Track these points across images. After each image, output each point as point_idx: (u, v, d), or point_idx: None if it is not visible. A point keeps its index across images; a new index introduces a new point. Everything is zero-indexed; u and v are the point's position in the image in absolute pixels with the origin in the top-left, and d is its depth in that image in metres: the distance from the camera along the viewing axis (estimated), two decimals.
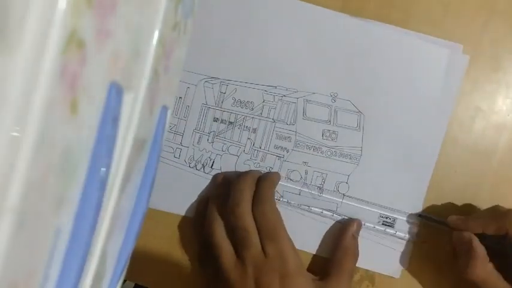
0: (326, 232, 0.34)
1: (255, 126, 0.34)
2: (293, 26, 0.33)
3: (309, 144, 0.33)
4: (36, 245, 0.14)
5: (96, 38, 0.14)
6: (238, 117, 0.34)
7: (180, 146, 0.34)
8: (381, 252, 0.33)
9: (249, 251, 0.30)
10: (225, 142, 0.34)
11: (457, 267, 0.31)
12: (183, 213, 0.35)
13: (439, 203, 0.34)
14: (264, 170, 0.34)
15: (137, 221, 0.26)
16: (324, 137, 0.33)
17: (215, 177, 0.34)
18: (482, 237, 0.30)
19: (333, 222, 0.34)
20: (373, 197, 0.33)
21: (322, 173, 0.33)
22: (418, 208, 0.34)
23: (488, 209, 0.31)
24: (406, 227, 0.33)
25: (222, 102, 0.34)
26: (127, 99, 0.18)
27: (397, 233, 0.33)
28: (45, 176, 0.13)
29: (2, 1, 0.11)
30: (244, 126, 0.34)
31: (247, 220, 0.31)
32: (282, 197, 0.34)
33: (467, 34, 0.34)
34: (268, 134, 0.34)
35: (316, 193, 0.33)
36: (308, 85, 0.33)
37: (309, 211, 0.34)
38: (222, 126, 0.34)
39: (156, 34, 0.20)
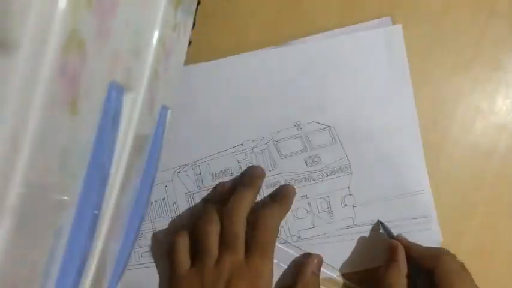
0: (358, 246, 0.34)
1: None
2: (225, 84, 0.34)
3: (298, 178, 0.34)
4: (36, 245, 0.14)
5: (96, 38, 0.14)
6: None
7: None
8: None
9: (232, 255, 0.30)
10: None
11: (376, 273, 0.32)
12: None
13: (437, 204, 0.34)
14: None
15: (137, 221, 0.26)
16: (309, 165, 0.34)
17: (221, 184, 0.34)
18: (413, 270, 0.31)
19: (357, 234, 0.34)
20: (380, 192, 0.33)
21: (324, 198, 0.34)
22: (425, 185, 0.33)
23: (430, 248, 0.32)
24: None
25: (202, 182, 0.34)
26: (127, 98, 0.18)
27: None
28: (45, 176, 0.13)
29: (2, 1, 0.11)
30: None
31: (241, 227, 0.31)
32: (299, 237, 0.34)
33: (468, 35, 0.34)
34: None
35: (328, 218, 0.34)
36: (269, 127, 0.34)
37: (328, 236, 0.34)
38: None
39: (156, 34, 0.20)
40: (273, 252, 0.31)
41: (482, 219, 0.34)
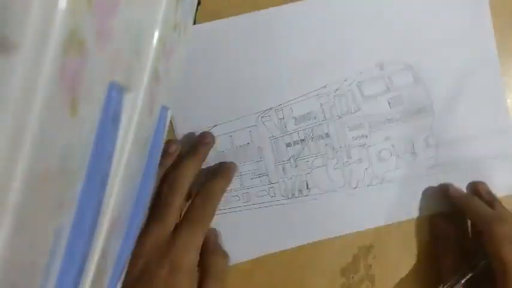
0: (443, 187, 0.33)
1: (325, 131, 0.34)
2: (309, 26, 0.34)
3: (381, 120, 0.34)
4: (36, 245, 0.14)
5: (96, 38, 0.14)
6: (307, 131, 0.34)
7: (271, 185, 0.34)
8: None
9: (158, 228, 0.28)
10: (308, 159, 0.34)
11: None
12: (295, 245, 0.34)
13: None
14: (353, 166, 0.34)
15: (137, 221, 0.26)
16: (392, 106, 0.34)
17: (169, 143, 0.33)
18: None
19: (440, 174, 0.33)
20: (463, 130, 0.33)
21: (407, 139, 0.34)
22: (508, 122, 0.33)
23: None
24: None
25: (285, 126, 0.34)
26: (127, 99, 0.18)
27: None
28: (45, 177, 0.13)
29: (2, 1, 0.11)
30: (316, 136, 0.34)
31: (177, 198, 0.29)
32: (383, 179, 0.34)
33: None
34: (341, 131, 0.34)
35: (411, 159, 0.34)
36: (352, 69, 0.34)
37: (411, 177, 0.34)
38: (297, 147, 0.34)
39: (157, 34, 0.20)
40: (206, 225, 0.30)
41: None
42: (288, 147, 0.34)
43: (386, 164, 0.34)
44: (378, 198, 0.34)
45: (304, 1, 0.33)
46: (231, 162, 0.34)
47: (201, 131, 0.34)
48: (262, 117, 0.34)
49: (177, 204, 0.29)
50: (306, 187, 0.34)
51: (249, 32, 0.33)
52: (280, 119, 0.34)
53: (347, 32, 0.34)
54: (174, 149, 0.32)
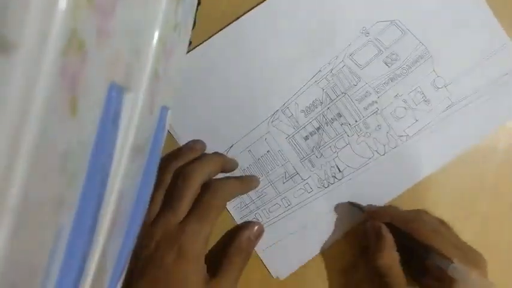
0: (468, 119, 0.34)
1: (336, 112, 0.34)
2: (283, 20, 0.34)
3: (384, 81, 0.34)
4: (36, 245, 0.14)
5: (96, 39, 0.14)
6: (319, 118, 0.35)
7: (305, 181, 0.35)
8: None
9: (168, 217, 0.29)
10: (330, 144, 0.35)
11: (367, 257, 0.32)
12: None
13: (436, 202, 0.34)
14: (375, 134, 0.34)
15: (137, 220, 0.26)
16: (389, 65, 0.34)
17: (194, 141, 0.34)
18: (393, 232, 0.31)
19: (460, 110, 0.34)
20: (465, 62, 0.34)
21: (415, 89, 0.34)
22: (504, 38, 0.33)
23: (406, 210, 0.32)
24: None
25: (297, 122, 0.35)
26: (127, 99, 0.18)
27: None
28: (45, 176, 0.13)
29: (2, 1, 0.11)
30: (329, 120, 0.35)
31: (190, 191, 0.30)
32: (408, 135, 0.34)
33: None
34: (351, 106, 0.34)
35: (426, 107, 0.34)
36: (339, 44, 0.34)
37: (437, 122, 0.34)
38: (316, 137, 0.35)
39: (156, 34, 0.20)
40: (214, 216, 0.30)
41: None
42: (307, 140, 0.35)
43: (405, 121, 0.34)
44: (409, 156, 0.34)
45: None
46: (253, 176, 0.34)
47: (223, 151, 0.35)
48: (272, 121, 0.35)
49: (189, 197, 0.30)
50: (338, 171, 0.35)
51: (231, 45, 0.34)
52: (289, 117, 0.34)
53: (325, 11, 0.34)
54: (199, 147, 0.34)
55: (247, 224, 0.34)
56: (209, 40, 0.34)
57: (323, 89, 0.34)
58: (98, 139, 0.16)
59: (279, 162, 0.35)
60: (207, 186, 0.31)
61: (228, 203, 0.34)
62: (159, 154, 0.26)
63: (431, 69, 0.34)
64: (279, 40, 0.34)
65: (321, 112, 0.34)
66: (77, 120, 0.14)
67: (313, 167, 0.35)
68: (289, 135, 0.35)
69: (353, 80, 0.34)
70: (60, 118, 0.13)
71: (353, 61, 0.34)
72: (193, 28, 0.31)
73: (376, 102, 0.34)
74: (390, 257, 0.30)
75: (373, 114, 0.34)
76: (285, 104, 0.34)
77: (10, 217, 0.12)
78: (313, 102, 0.34)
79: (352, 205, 0.34)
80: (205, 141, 0.35)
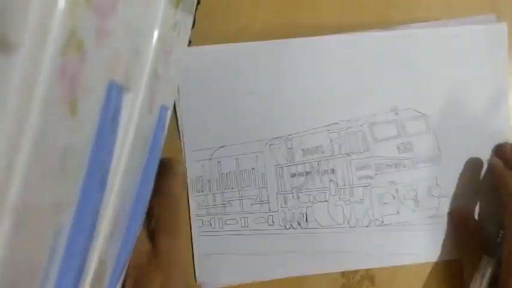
0: (439, 236, 0.34)
1: (332, 167, 0.34)
2: (325, 61, 0.34)
3: (389, 163, 0.34)
4: (36, 245, 0.14)
5: (95, 38, 0.14)
6: (313, 164, 0.34)
7: (271, 213, 0.34)
8: None
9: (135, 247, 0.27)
10: (310, 192, 0.34)
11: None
12: (286, 275, 0.34)
13: None
14: (354, 205, 0.34)
15: (137, 220, 0.26)
16: (401, 151, 0.34)
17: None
18: None
19: (439, 225, 0.34)
20: (468, 185, 0.34)
21: (411, 186, 0.34)
22: None
23: None
24: None
25: (293, 157, 0.34)
26: (126, 98, 0.18)
27: None
28: (45, 176, 0.13)
29: (2, 1, 0.11)
30: (321, 170, 0.34)
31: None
32: (382, 222, 0.34)
33: None
34: (348, 169, 0.34)
35: (413, 206, 0.34)
36: (366, 110, 0.34)
37: (411, 224, 0.34)
38: (301, 179, 0.34)
39: (156, 34, 0.20)
40: (181, 229, 0.30)
41: None
42: (293, 178, 0.34)
43: (388, 208, 0.34)
44: (374, 240, 0.34)
45: (327, 37, 0.34)
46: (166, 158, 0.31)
47: (210, 149, 0.34)
48: (271, 144, 0.34)
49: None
50: (305, 220, 0.34)
51: (269, 59, 0.34)
52: (289, 148, 0.34)
53: (366, 73, 0.34)
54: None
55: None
56: (249, 44, 0.34)
57: (331, 141, 0.34)
58: (97, 138, 0.16)
59: (257, 184, 0.34)
60: (157, 205, 0.29)
61: (191, 194, 0.34)
62: (158, 153, 0.26)
63: (435, 176, 0.34)
64: (314, 76, 0.34)
65: (318, 160, 0.34)
66: (76, 120, 0.14)
67: (285, 205, 0.34)
68: (279, 165, 0.34)
69: (362, 147, 0.34)
70: (59, 118, 0.13)
71: (370, 131, 0.34)
72: (193, 28, 0.31)
73: (372, 178, 0.34)
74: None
75: (363, 186, 0.34)
76: (290, 136, 0.34)
77: (10, 217, 0.12)
78: (316, 147, 0.34)
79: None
80: (199, 131, 0.34)
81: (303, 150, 0.34)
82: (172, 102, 0.28)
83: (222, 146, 0.34)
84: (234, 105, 0.34)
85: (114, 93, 0.16)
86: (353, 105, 0.34)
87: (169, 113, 0.27)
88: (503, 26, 0.34)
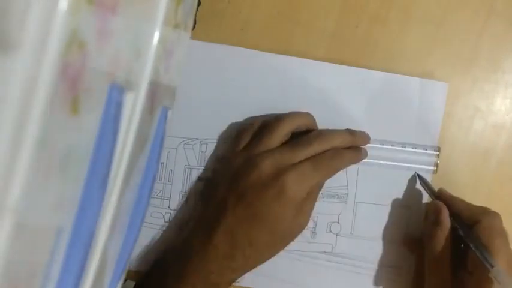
0: (324, 274, 0.34)
1: None
2: (263, 78, 0.34)
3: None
4: (36, 245, 0.14)
5: (96, 38, 0.14)
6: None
7: (169, 210, 0.34)
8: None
9: (287, 153, 0.29)
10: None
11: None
12: None
13: None
14: None
15: (138, 220, 0.26)
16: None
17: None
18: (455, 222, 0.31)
19: (330, 263, 0.34)
20: (367, 232, 0.34)
21: (312, 217, 0.33)
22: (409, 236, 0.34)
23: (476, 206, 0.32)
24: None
25: (205, 160, 0.34)
26: (128, 99, 0.18)
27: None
28: (46, 176, 0.13)
29: (2, 2, 0.11)
30: None
31: (287, 129, 0.31)
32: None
33: (467, 34, 0.34)
34: None
35: (310, 237, 0.34)
36: None
37: (305, 255, 0.34)
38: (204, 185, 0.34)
39: (157, 34, 0.20)
40: (324, 176, 0.30)
41: None
42: (200, 181, 0.33)
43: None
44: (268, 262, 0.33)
45: (322, 63, 0.34)
46: (364, 149, 0.33)
47: None
48: (185, 143, 0.34)
49: (282, 136, 0.31)
50: None
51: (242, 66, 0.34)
52: (202, 151, 0.34)
53: (291, 98, 0.33)
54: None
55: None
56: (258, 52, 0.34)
57: None
58: (98, 139, 0.16)
59: (163, 179, 0.34)
60: (332, 151, 0.31)
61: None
62: (159, 153, 0.26)
63: (338, 213, 0.34)
64: (249, 85, 0.33)
65: None
66: (77, 120, 0.14)
67: (185, 206, 0.33)
68: (189, 165, 0.34)
69: None
70: (61, 118, 0.13)
71: None
72: (193, 28, 0.32)
73: None
74: (441, 241, 0.30)
75: None
76: (207, 139, 0.34)
77: (10, 217, 0.12)
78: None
79: (422, 181, 0.33)
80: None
81: (216, 156, 0.33)
82: (173, 103, 0.28)
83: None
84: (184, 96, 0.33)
85: (116, 94, 0.16)
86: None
87: (170, 113, 0.27)
88: (443, 85, 0.34)
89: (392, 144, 0.34)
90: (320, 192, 0.32)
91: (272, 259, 0.31)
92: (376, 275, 0.34)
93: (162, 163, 0.34)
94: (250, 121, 0.33)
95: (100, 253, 0.19)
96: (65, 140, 0.14)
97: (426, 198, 0.34)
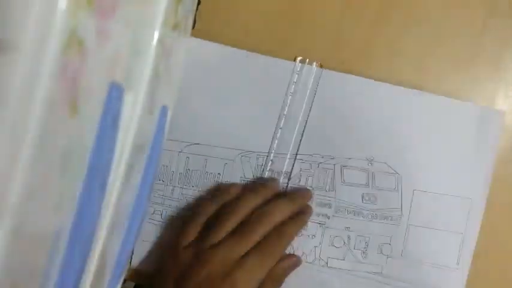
0: None
1: None
2: (319, 95, 0.34)
3: (349, 209, 0.34)
4: (36, 246, 0.14)
5: (96, 38, 0.14)
6: None
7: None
8: None
9: (235, 246, 0.29)
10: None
11: None
12: None
13: None
14: (304, 238, 0.34)
15: (137, 220, 0.26)
16: (364, 201, 0.34)
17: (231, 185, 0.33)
18: None
19: (379, 284, 0.34)
20: (418, 255, 0.34)
21: (364, 237, 0.34)
22: (463, 263, 0.34)
23: None
24: None
25: (260, 174, 0.34)
26: (127, 99, 0.18)
27: None
28: (46, 176, 0.13)
29: (2, 1, 0.11)
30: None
31: (263, 230, 0.30)
32: (326, 263, 0.34)
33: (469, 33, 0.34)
34: (309, 202, 0.34)
35: (360, 257, 0.34)
36: (343, 151, 0.34)
37: (355, 275, 0.34)
38: None
39: (156, 34, 0.20)
40: (273, 261, 0.30)
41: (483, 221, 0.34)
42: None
43: (335, 251, 0.34)
44: (312, 278, 0.34)
45: (324, 71, 0.34)
46: (308, 206, 0.33)
47: (184, 143, 0.34)
48: (243, 156, 0.34)
49: (259, 235, 0.30)
50: None
51: (263, 73, 0.34)
52: (259, 165, 0.34)
53: (351, 116, 0.34)
54: (235, 190, 0.33)
55: (284, 255, 0.33)
56: (244, 52, 0.34)
57: (300, 169, 0.34)
58: (98, 139, 0.16)
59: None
60: (275, 234, 0.31)
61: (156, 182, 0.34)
62: (159, 154, 0.26)
63: (390, 235, 0.34)
64: (304, 102, 0.34)
65: (283, 184, 0.34)
66: (77, 120, 0.14)
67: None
68: (243, 177, 0.34)
69: (327, 186, 0.34)
70: (60, 118, 0.13)
71: (341, 172, 0.34)
72: (193, 28, 0.31)
73: (329, 218, 0.34)
74: None
75: (318, 223, 0.34)
76: (264, 153, 0.34)
77: (10, 217, 0.12)
78: (283, 171, 0.34)
79: None
80: (177, 122, 0.33)
81: (271, 170, 0.34)
82: (173, 103, 0.28)
83: (197, 144, 0.34)
84: (219, 107, 0.34)
85: (115, 94, 0.16)
86: (331, 143, 0.34)
87: (170, 113, 0.27)
88: (500, 114, 0.33)
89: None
90: (374, 213, 0.33)
91: (323, 276, 0.32)
92: None
93: (218, 174, 0.34)
94: (196, 210, 0.32)
95: (99, 253, 0.19)
96: (64, 140, 0.14)
97: (480, 224, 0.34)
